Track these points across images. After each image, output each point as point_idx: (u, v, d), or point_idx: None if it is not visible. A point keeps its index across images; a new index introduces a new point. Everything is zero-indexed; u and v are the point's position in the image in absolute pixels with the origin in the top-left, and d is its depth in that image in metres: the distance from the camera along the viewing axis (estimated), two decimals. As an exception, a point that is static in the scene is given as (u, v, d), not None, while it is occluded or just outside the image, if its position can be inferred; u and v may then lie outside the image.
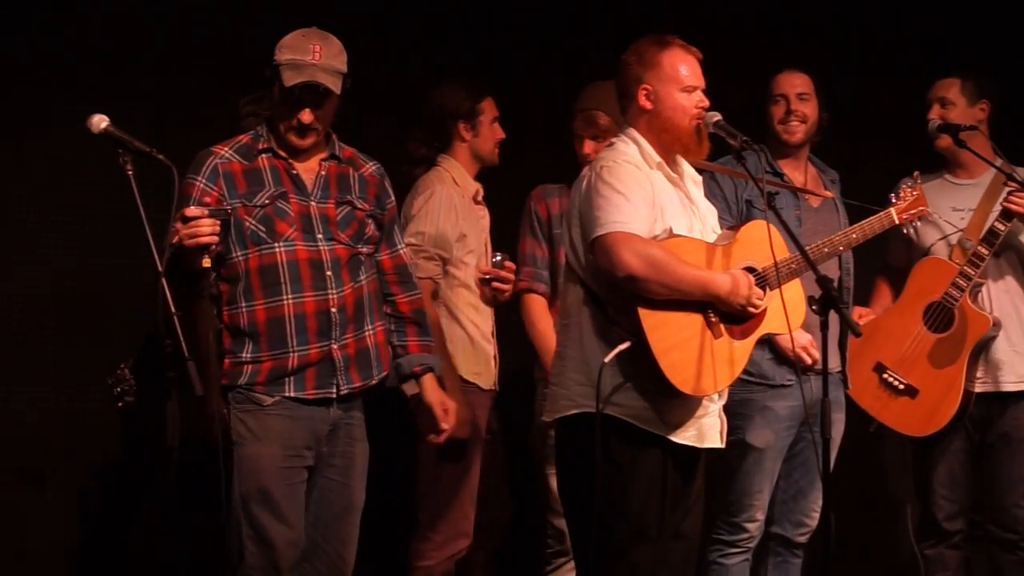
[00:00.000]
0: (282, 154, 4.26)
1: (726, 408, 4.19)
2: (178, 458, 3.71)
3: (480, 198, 5.12)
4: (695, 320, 3.99)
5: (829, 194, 5.00)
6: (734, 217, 4.81)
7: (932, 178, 5.12)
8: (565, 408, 4.04)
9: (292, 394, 4.20)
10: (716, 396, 4.10)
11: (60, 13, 5.32)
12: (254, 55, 4.32)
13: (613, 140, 4.16)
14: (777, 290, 4.03)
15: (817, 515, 4.89)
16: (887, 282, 5.28)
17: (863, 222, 4.69)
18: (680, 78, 4.06)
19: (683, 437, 4.03)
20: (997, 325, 5.01)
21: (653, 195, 4.00)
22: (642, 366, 3.92)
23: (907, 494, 5.23)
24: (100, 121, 3.85)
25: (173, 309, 3.67)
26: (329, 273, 4.23)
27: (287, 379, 4.19)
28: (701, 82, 4.10)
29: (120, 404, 4.92)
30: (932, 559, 5.14)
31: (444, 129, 5.07)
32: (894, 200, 4.78)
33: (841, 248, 4.56)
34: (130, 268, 4.81)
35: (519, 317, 4.99)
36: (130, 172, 3.79)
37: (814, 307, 3.88)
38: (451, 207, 4.97)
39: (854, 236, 4.62)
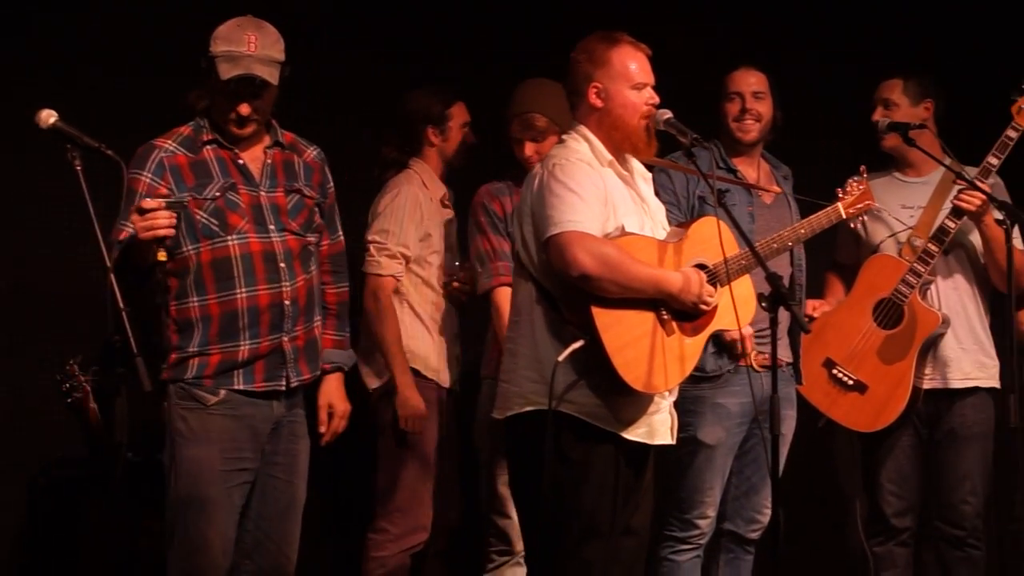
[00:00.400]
0: (228, 145, 4.22)
1: (677, 405, 4.20)
2: (126, 454, 3.69)
3: (448, 201, 5.16)
4: (647, 318, 3.99)
5: (779, 189, 5.00)
6: (684, 213, 4.80)
7: (881, 176, 5.13)
8: (518, 406, 4.03)
9: (241, 387, 4.15)
10: (667, 393, 4.11)
11: (60, 13, 5.32)
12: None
13: (564, 137, 4.15)
14: (727, 287, 4.04)
15: (769, 511, 4.88)
16: (838, 278, 5.29)
17: (811, 217, 4.70)
18: (630, 75, 4.06)
19: (635, 434, 4.04)
20: (946, 322, 5.02)
21: (606, 193, 4.00)
22: (595, 364, 3.93)
23: (856, 490, 5.24)
24: (48, 116, 3.82)
25: (122, 305, 3.64)
26: (283, 265, 4.20)
27: (236, 372, 4.15)
28: (651, 79, 4.10)
29: (69, 400, 4.90)
30: (881, 556, 5.14)
31: (414, 133, 5.14)
32: (841, 195, 4.80)
33: (790, 243, 4.57)
34: (81, 263, 4.78)
35: (477, 316, 4.99)
36: (79, 168, 3.76)
37: (764, 304, 3.89)
38: (416, 206, 5.02)
39: (802, 231, 4.63)
